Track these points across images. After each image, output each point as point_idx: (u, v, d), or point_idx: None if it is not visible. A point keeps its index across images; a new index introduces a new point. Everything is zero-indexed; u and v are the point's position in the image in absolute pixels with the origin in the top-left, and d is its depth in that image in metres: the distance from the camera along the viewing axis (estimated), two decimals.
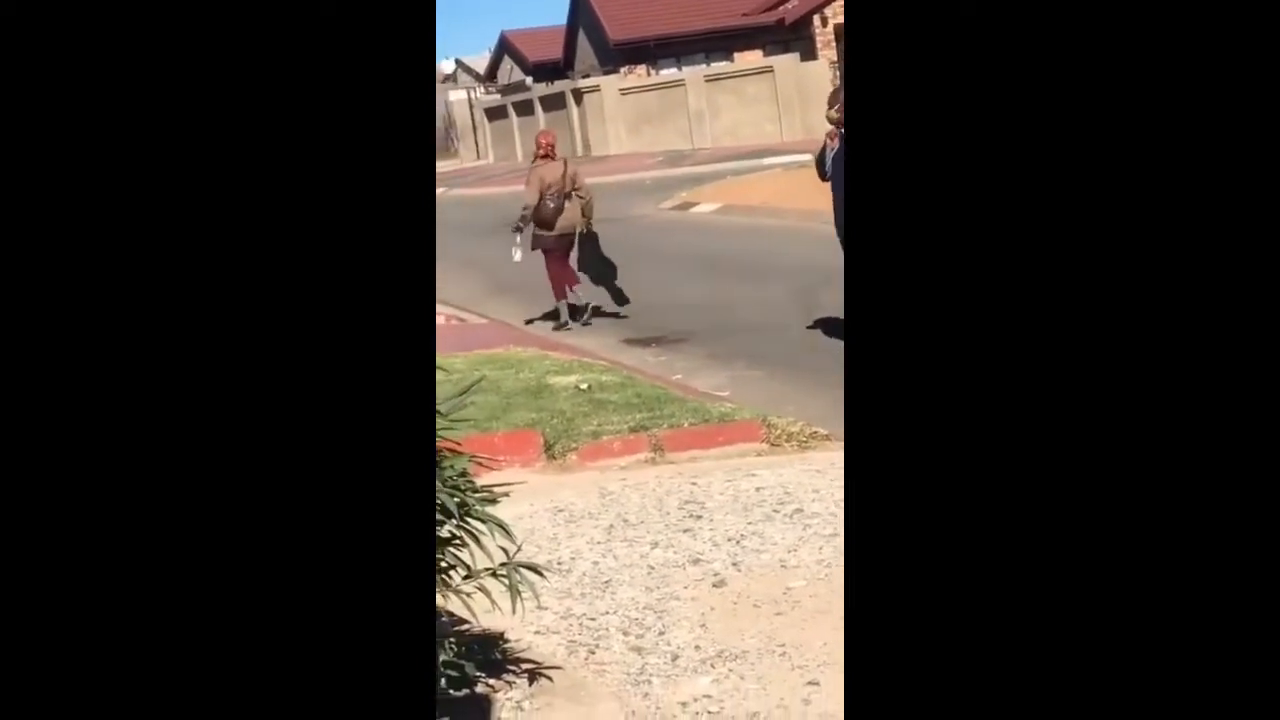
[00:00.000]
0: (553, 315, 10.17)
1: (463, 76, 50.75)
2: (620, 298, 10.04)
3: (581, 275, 10.05)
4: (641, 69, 33.58)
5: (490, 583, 3.15)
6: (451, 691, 3.10)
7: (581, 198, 9.97)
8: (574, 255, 10.02)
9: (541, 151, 10.01)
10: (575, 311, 10.00)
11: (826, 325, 8.35)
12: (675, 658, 3.49)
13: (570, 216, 9.88)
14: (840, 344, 7.03)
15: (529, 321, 10.38)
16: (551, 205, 9.79)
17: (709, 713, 3.17)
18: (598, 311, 10.09)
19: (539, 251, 10.07)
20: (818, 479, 5.03)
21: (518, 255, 10.19)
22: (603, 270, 10.04)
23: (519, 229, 10.10)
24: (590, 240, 10.01)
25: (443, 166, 36.80)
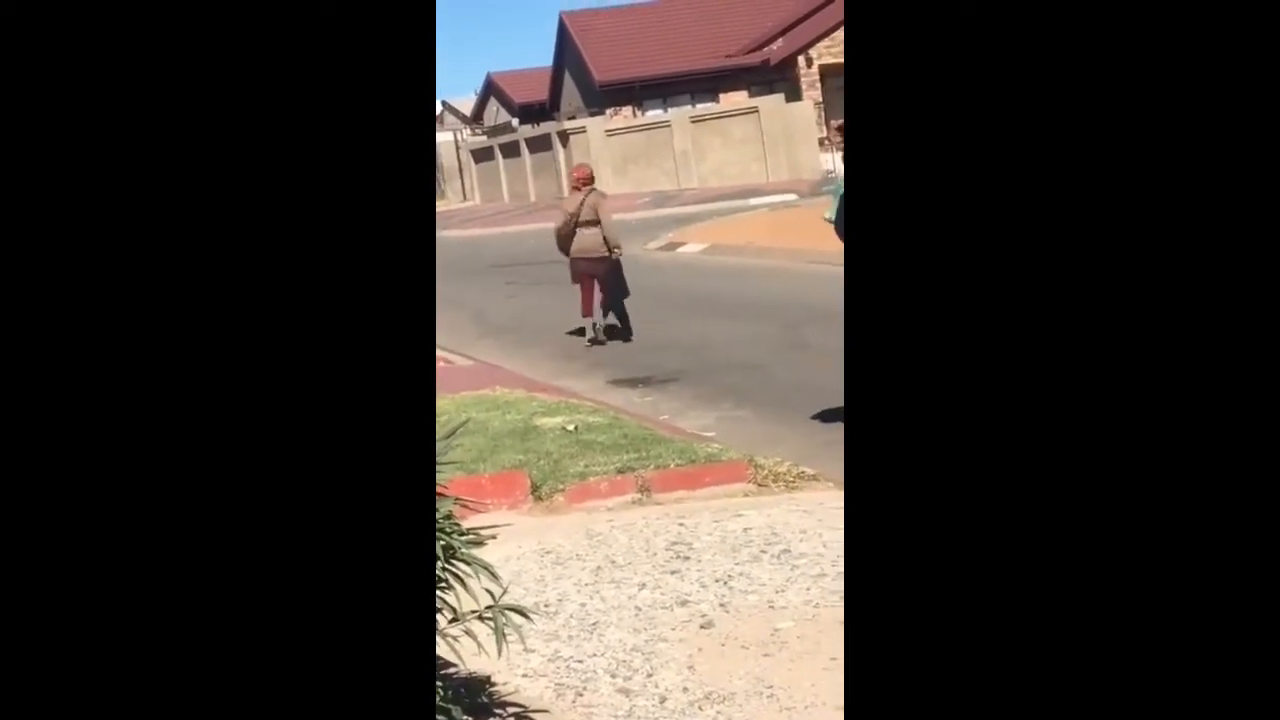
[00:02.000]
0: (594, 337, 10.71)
1: (449, 118, 50.93)
2: (625, 326, 10.66)
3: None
4: (627, 110, 33.74)
5: (476, 626, 3.13)
6: None
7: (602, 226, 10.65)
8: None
9: (574, 184, 11.01)
10: (598, 329, 10.65)
11: (814, 363, 8.36)
12: (663, 700, 3.48)
13: (584, 242, 10.58)
14: (827, 383, 7.06)
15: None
16: (564, 233, 10.66)
17: None
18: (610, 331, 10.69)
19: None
20: (805, 519, 5.02)
21: None
22: (615, 297, 10.69)
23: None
24: (614, 269, 10.66)
25: None
